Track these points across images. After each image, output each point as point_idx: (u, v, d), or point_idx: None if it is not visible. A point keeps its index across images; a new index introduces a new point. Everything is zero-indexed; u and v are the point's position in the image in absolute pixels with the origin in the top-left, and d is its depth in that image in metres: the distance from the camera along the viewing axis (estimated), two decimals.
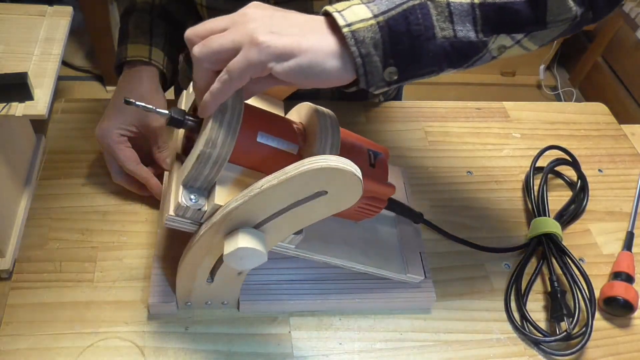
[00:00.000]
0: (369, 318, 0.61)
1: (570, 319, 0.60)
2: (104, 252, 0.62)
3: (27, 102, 0.52)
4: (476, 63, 0.46)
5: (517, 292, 0.64)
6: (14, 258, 0.60)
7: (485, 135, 0.84)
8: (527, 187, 0.76)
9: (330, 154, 0.50)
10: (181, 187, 0.47)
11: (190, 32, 0.45)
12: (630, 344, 0.62)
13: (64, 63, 2.02)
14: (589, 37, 2.31)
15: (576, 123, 0.89)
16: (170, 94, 0.75)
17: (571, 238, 0.69)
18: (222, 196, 0.47)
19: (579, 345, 0.59)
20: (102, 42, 1.89)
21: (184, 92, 0.55)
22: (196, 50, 0.43)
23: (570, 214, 0.74)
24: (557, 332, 0.60)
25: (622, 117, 0.96)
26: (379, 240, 0.62)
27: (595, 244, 0.72)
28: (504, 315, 0.63)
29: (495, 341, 0.61)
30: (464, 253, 0.68)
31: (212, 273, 0.53)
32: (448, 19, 0.44)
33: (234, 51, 0.42)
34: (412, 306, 0.62)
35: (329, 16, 0.44)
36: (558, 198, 0.75)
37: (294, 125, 0.53)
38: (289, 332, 0.59)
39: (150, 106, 0.48)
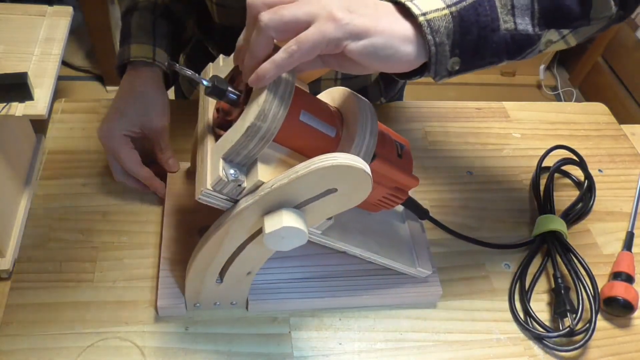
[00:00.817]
0: (369, 318, 0.61)
1: (574, 315, 0.61)
2: (104, 252, 0.62)
3: (27, 102, 0.52)
4: (528, 55, 0.48)
5: (521, 288, 0.65)
6: (14, 258, 0.60)
7: (485, 135, 0.84)
8: (534, 185, 0.76)
9: (370, 139, 0.49)
10: (221, 161, 0.45)
11: None
12: (630, 344, 0.62)
13: (64, 63, 2.02)
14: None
15: (576, 123, 0.89)
16: (170, 94, 0.75)
17: (571, 238, 0.69)
18: (265, 173, 0.45)
19: (582, 341, 0.59)
20: (102, 42, 1.89)
21: (210, 64, 0.54)
22: (265, 17, 0.41)
23: (576, 213, 0.74)
24: (561, 328, 0.61)
25: (622, 117, 0.96)
26: (392, 233, 0.63)
27: (595, 244, 0.72)
28: (504, 315, 0.63)
29: (495, 341, 0.61)
30: (464, 253, 0.68)
31: (222, 274, 0.53)
32: (510, 12, 0.45)
33: (307, 24, 0.41)
34: (420, 300, 0.62)
35: (398, 3, 0.45)
36: (561, 198, 0.75)
37: (331, 108, 0.52)
38: (289, 332, 0.59)
39: (193, 72, 0.47)
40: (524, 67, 2.35)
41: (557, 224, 0.68)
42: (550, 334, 0.60)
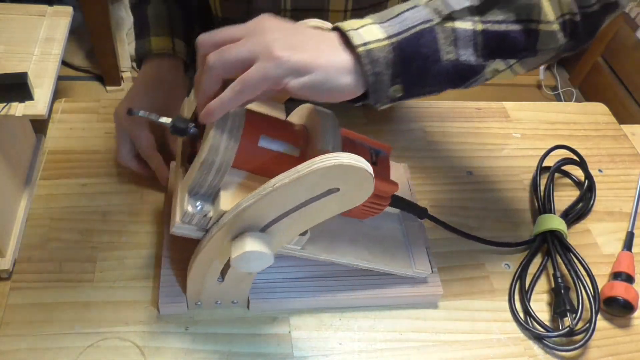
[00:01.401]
0: (369, 318, 0.61)
1: (574, 315, 0.61)
2: (104, 252, 0.62)
3: (27, 102, 0.52)
4: (473, 84, 0.50)
5: (521, 288, 0.65)
6: (14, 258, 0.60)
7: (485, 135, 0.84)
8: (534, 185, 0.76)
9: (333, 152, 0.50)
10: (186, 195, 0.48)
11: (205, 38, 0.45)
12: (630, 344, 0.62)
13: (64, 63, 2.02)
14: None
15: (576, 123, 0.89)
16: None
17: (571, 238, 0.69)
18: (226, 202, 0.47)
19: (582, 341, 0.59)
20: (102, 42, 1.89)
21: (186, 99, 0.55)
22: (212, 58, 0.43)
23: (576, 213, 0.74)
24: (561, 328, 0.61)
25: (622, 117, 0.96)
26: (385, 237, 0.63)
27: (595, 244, 0.72)
28: (504, 315, 0.63)
29: (495, 341, 0.61)
30: (464, 253, 0.68)
31: (223, 273, 0.54)
32: (453, 43, 0.46)
33: (250, 62, 0.42)
34: (420, 300, 0.62)
35: (341, 33, 0.45)
36: (561, 198, 0.75)
37: (295, 128, 0.53)
38: (289, 332, 0.59)
39: (154, 116, 0.49)
40: None
41: (557, 223, 0.68)
42: (550, 334, 0.60)
